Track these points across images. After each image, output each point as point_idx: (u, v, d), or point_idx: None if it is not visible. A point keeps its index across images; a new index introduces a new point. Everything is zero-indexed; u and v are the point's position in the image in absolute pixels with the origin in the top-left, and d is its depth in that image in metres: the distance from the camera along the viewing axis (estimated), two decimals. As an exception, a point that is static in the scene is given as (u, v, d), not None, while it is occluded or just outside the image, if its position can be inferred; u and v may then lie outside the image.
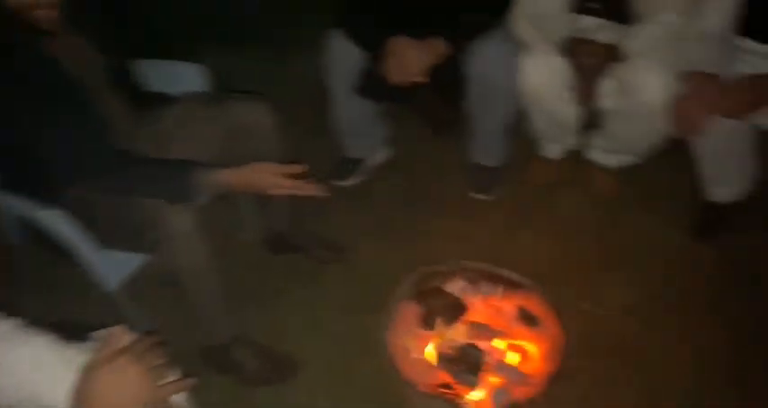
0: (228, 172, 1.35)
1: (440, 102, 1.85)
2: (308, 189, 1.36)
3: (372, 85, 1.81)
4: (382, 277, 1.83)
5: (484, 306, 1.56)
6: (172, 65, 1.74)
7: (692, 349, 1.58)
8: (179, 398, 0.92)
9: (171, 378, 0.86)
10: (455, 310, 1.50)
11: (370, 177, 2.17)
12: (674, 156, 1.80)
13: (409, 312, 1.53)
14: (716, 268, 1.76)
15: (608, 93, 1.73)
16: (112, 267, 1.49)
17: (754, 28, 1.52)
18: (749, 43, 1.54)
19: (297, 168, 1.36)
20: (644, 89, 1.61)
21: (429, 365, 1.47)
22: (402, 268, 1.78)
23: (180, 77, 1.70)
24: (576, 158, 2.02)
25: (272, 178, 1.35)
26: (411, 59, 1.63)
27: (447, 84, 1.78)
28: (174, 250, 1.34)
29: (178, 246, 1.34)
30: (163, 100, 1.61)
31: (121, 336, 0.83)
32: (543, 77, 1.71)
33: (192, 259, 1.37)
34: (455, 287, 1.58)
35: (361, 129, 2.05)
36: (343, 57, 1.80)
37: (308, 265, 1.89)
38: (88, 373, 0.79)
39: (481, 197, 2.05)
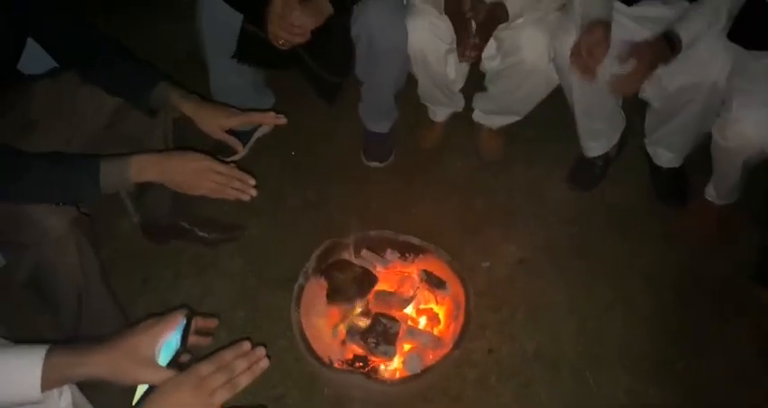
0: (147, 163, 1.13)
1: (326, 68, 1.77)
2: (245, 190, 1.20)
3: (252, 50, 1.69)
4: (280, 254, 1.77)
5: (390, 273, 1.55)
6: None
7: (586, 294, 1.70)
8: None
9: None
10: (364, 281, 1.47)
11: (256, 150, 2.06)
12: (551, 113, 1.89)
13: (317, 287, 1.48)
14: (591, 215, 1.90)
15: (491, 53, 1.76)
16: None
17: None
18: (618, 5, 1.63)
19: (242, 176, 1.20)
20: (524, 48, 1.65)
21: (341, 340, 1.44)
22: (300, 243, 1.73)
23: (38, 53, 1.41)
24: (461, 121, 2.05)
25: (210, 178, 1.16)
26: (295, 20, 1.53)
27: (333, 47, 1.71)
28: (45, 253, 1.16)
29: (49, 250, 1.16)
30: (21, 78, 1.38)
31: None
32: (428, 39, 1.69)
33: (68, 266, 1.19)
34: (360, 258, 1.55)
35: (244, 99, 1.91)
36: (218, 19, 1.66)
37: (199, 250, 1.77)
38: (161, 390, 0.80)
39: (374, 164, 2.02)
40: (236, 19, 1.65)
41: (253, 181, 1.21)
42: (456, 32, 1.62)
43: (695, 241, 1.81)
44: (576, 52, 1.52)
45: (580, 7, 1.56)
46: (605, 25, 1.50)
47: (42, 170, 1.09)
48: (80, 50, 1.33)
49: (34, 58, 1.40)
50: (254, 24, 1.61)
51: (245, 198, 1.20)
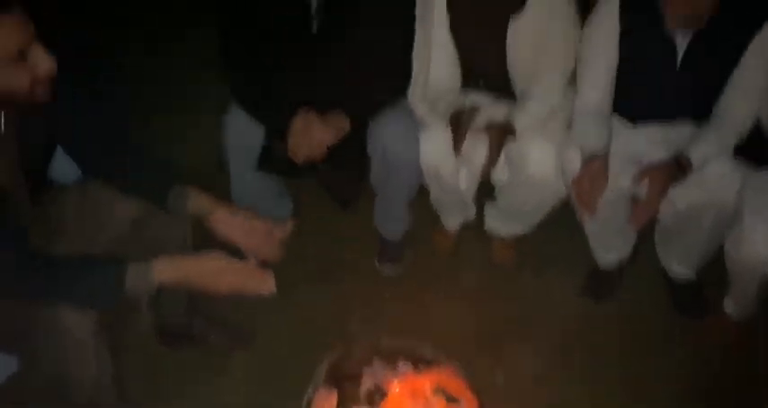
0: (168, 266, 1.17)
1: (342, 177, 1.86)
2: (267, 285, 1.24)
3: (273, 161, 1.78)
4: (291, 360, 1.75)
5: (401, 386, 1.51)
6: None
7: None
8: None
9: None
10: (374, 394, 1.43)
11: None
12: (562, 223, 1.91)
13: (326, 398, 1.44)
14: (607, 324, 1.87)
15: (500, 166, 1.82)
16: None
17: (623, 107, 1.69)
18: (620, 121, 1.71)
19: (261, 273, 1.25)
20: (532, 162, 1.72)
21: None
22: (312, 348, 1.71)
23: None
24: (473, 229, 2.08)
25: (229, 278, 1.20)
26: (315, 136, 1.62)
27: (349, 159, 1.80)
28: (65, 359, 1.17)
29: (70, 355, 1.17)
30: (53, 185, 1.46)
31: None
32: (439, 152, 1.76)
33: (86, 370, 1.19)
34: (371, 369, 1.52)
35: (264, 204, 1.99)
36: (242, 132, 1.77)
37: (210, 356, 1.76)
38: None
39: (387, 269, 2.04)
40: (258, 132, 1.76)
41: (272, 277, 1.24)
42: (453, 139, 1.70)
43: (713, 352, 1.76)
44: (577, 187, 1.57)
45: (577, 139, 1.63)
46: (602, 159, 1.55)
47: (69, 272, 1.13)
48: (106, 158, 1.39)
49: (60, 167, 1.48)
50: (276, 138, 1.71)
51: (265, 292, 1.23)
